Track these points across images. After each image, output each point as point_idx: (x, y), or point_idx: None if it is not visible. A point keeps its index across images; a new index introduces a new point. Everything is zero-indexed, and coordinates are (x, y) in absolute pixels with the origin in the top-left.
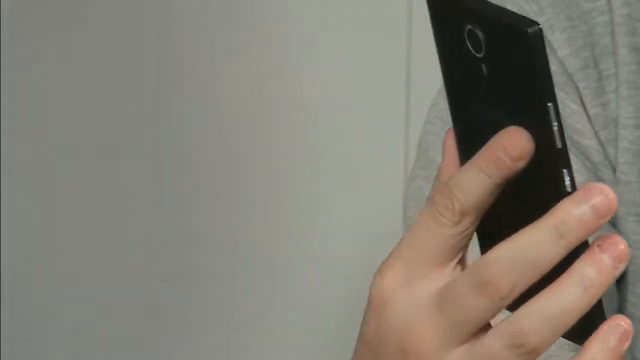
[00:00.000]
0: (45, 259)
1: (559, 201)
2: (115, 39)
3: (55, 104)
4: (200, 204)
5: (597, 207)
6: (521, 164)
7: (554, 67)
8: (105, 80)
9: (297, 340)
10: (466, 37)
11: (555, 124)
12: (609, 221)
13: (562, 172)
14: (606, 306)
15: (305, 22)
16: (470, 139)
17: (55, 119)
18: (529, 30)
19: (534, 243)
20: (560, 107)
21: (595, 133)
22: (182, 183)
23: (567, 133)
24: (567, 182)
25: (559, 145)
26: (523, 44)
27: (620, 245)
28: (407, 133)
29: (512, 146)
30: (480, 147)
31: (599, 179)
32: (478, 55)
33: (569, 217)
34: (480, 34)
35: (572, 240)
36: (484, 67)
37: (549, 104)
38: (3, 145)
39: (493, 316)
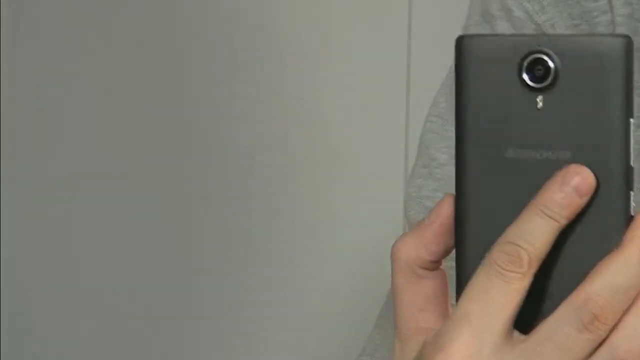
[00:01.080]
0: (45, 259)
1: (622, 222)
2: (115, 39)
3: (55, 104)
4: (200, 204)
5: None
6: (587, 199)
7: None
8: (105, 80)
9: (297, 341)
10: (524, 70)
11: (632, 140)
12: None
13: (630, 194)
14: None
15: (306, 23)
16: (494, 193)
17: (55, 119)
18: (626, 39)
19: (626, 270)
20: None
21: None
22: (182, 183)
23: None
24: (633, 203)
25: (631, 163)
26: (613, 56)
27: None
28: (407, 133)
29: (581, 182)
30: (516, 197)
31: None
32: (538, 86)
33: None
34: (551, 61)
35: None
36: (540, 100)
37: (631, 119)
38: (3, 146)
39: (590, 352)
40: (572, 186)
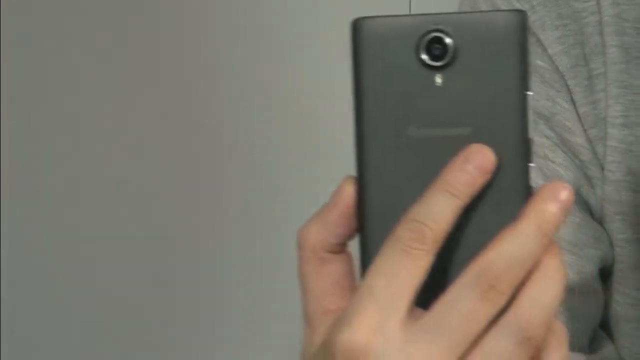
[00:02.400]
0: (45, 259)
1: (521, 195)
2: (116, 40)
3: (55, 104)
4: (199, 203)
5: (566, 204)
6: (488, 178)
7: (543, 64)
8: (105, 80)
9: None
10: (422, 49)
11: (530, 112)
12: (597, 219)
13: (529, 166)
14: (594, 304)
15: (306, 23)
16: (395, 171)
17: (55, 119)
18: (521, 13)
19: (523, 242)
20: (550, 104)
21: (585, 131)
22: (181, 183)
23: (557, 130)
24: (532, 175)
25: (530, 135)
26: (510, 31)
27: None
28: None
29: (483, 161)
30: (417, 175)
31: (587, 177)
32: (436, 64)
33: (547, 216)
34: (447, 38)
35: (551, 236)
36: (439, 77)
37: (529, 93)
38: (3, 146)
39: (489, 322)
40: (474, 165)
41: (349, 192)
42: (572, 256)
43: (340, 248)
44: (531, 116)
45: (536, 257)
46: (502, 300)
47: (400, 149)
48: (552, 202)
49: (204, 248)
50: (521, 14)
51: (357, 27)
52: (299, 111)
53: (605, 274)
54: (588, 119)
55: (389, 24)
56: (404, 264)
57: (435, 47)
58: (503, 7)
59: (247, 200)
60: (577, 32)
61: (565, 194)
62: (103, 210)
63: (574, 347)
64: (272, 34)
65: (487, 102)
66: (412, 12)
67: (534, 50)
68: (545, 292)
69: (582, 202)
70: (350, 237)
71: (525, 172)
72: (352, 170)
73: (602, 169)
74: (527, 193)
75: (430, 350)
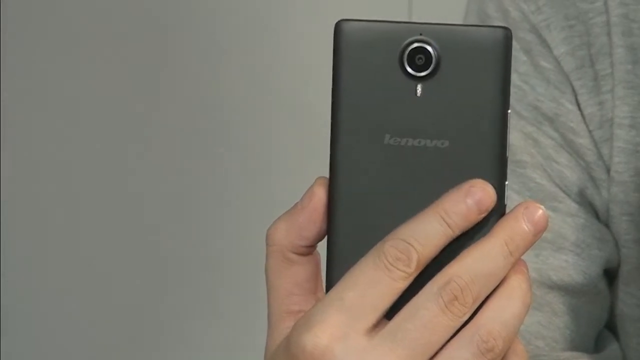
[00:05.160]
0: (45, 259)
1: (495, 214)
2: (116, 40)
3: (55, 104)
4: (199, 204)
5: (538, 225)
6: (484, 215)
7: (549, 65)
8: (101, 79)
9: None
10: (405, 58)
11: (508, 131)
12: (603, 220)
13: (505, 184)
14: (599, 304)
15: (306, 22)
16: (368, 179)
17: (55, 119)
18: (505, 31)
19: (489, 258)
20: (554, 105)
21: (590, 132)
22: (181, 183)
23: (561, 131)
24: (506, 194)
25: (507, 154)
26: (494, 48)
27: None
28: None
29: (484, 198)
30: (391, 183)
31: (592, 178)
32: (418, 75)
33: (516, 234)
34: (431, 50)
35: (518, 255)
36: (420, 88)
37: (509, 111)
38: (3, 146)
39: (451, 334)
40: (474, 200)
41: (320, 195)
42: (576, 257)
43: (307, 250)
44: (509, 135)
45: (502, 274)
46: (463, 313)
47: (376, 157)
48: (522, 222)
49: (204, 248)
50: (506, 31)
51: (341, 30)
52: (299, 110)
53: (610, 275)
54: (593, 120)
55: (373, 29)
56: (383, 281)
57: (419, 57)
58: (510, 9)
59: (247, 200)
60: (584, 33)
61: (538, 214)
62: (103, 210)
63: (578, 348)
64: (272, 32)
65: (467, 116)
66: (412, 11)
67: (539, 52)
68: (506, 309)
69: (586, 204)
70: (318, 240)
71: (500, 190)
72: None
73: (608, 170)
74: (501, 211)
75: (390, 358)
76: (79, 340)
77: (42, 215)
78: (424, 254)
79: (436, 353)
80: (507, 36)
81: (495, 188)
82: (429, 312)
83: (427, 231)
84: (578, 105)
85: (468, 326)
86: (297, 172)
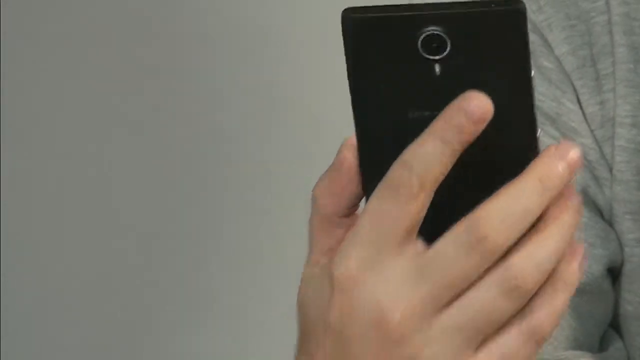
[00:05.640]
0: (45, 259)
1: (526, 162)
2: (116, 40)
3: (55, 105)
4: (199, 204)
5: (571, 162)
6: (482, 126)
7: (550, 64)
8: (105, 80)
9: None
10: (419, 45)
11: (533, 89)
12: (606, 219)
13: (537, 137)
14: (603, 304)
15: (306, 22)
16: (395, 148)
17: (55, 120)
18: (520, 4)
19: (523, 197)
20: (555, 105)
21: (592, 132)
22: (181, 183)
23: (563, 131)
24: (540, 144)
25: (535, 115)
26: (510, 20)
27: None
28: None
29: (474, 107)
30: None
31: (595, 177)
32: (434, 58)
33: (551, 171)
34: (445, 35)
35: (554, 193)
36: (438, 67)
37: (532, 75)
38: (3, 146)
39: (479, 274)
40: (468, 111)
41: (349, 156)
42: None
43: (349, 211)
44: (535, 96)
45: (537, 212)
46: (493, 253)
47: (400, 130)
48: (557, 159)
49: (204, 247)
50: (520, 5)
51: (348, 20)
52: (294, 109)
53: (614, 274)
54: (595, 120)
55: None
56: (392, 205)
57: (433, 44)
58: None
59: (247, 201)
60: (585, 32)
61: (573, 152)
62: (103, 210)
63: (582, 347)
64: (272, 33)
65: (490, 82)
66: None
67: (540, 51)
68: (540, 247)
69: (590, 203)
70: (357, 201)
71: (533, 143)
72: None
73: (610, 169)
74: (525, 160)
75: (412, 293)
76: (79, 340)
77: (42, 215)
78: (426, 174)
79: (464, 290)
80: (522, 8)
81: (528, 143)
82: (457, 251)
83: (426, 152)
84: (579, 104)
85: (499, 263)
86: (297, 172)
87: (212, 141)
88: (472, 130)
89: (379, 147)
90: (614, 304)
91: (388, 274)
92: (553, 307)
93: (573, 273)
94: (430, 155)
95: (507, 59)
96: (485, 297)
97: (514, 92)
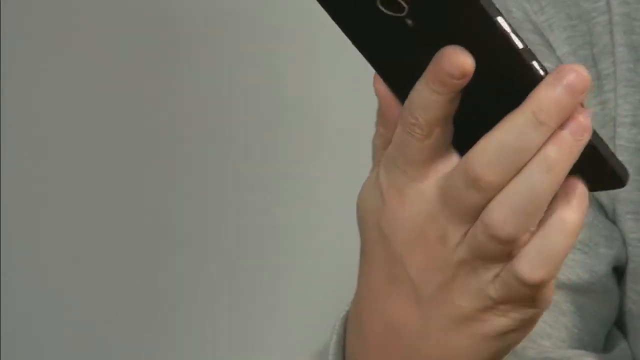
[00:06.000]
0: (45, 259)
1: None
2: (116, 40)
3: (55, 105)
4: (199, 203)
5: (571, 85)
6: (466, 79)
7: (551, 65)
8: (105, 80)
9: (299, 339)
10: (380, 5)
11: (509, 30)
12: (610, 218)
13: (532, 64)
14: (607, 303)
15: (305, 22)
16: (402, 83)
17: (55, 120)
18: None
19: (515, 132)
20: None
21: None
22: (181, 183)
23: None
24: (541, 71)
25: (520, 45)
26: None
27: (579, 117)
28: None
29: (451, 66)
30: (417, 66)
31: None
32: (399, 15)
33: (545, 101)
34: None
35: (552, 124)
36: (409, 22)
37: (498, 18)
38: (3, 146)
39: (487, 203)
40: (447, 70)
41: (382, 88)
42: (584, 255)
43: None
44: (512, 31)
45: (533, 147)
46: (490, 190)
47: (398, 69)
48: (552, 87)
49: (204, 247)
50: None
51: None
52: (293, 106)
53: (619, 273)
54: (596, 119)
55: None
56: (410, 143)
57: (391, 5)
58: (513, 9)
59: (241, 195)
60: (586, 32)
61: (571, 76)
62: (103, 210)
63: (586, 347)
64: (272, 33)
65: (458, 31)
66: None
67: (541, 52)
68: (521, 192)
69: (594, 202)
70: None
71: (528, 71)
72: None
73: None
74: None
75: (440, 211)
76: (79, 340)
77: (42, 215)
78: (428, 117)
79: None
80: None
81: (525, 78)
82: (455, 188)
83: (421, 98)
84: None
85: (485, 210)
86: (298, 173)
87: (212, 142)
88: (457, 84)
89: (393, 73)
90: (618, 303)
91: (424, 189)
92: (509, 204)
93: (553, 153)
94: (426, 101)
95: (463, 14)
96: (477, 238)
97: (487, 41)
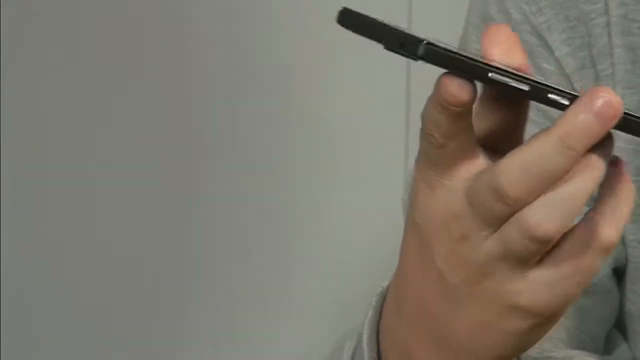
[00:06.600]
0: (45, 258)
1: None
2: (116, 40)
3: (55, 105)
4: (200, 204)
5: (601, 112)
6: (467, 106)
7: (550, 67)
8: (105, 80)
9: (300, 340)
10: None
11: (506, 80)
12: None
13: (549, 97)
14: (608, 304)
15: (305, 23)
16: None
17: (55, 120)
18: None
19: (542, 155)
20: None
21: None
22: (181, 183)
23: None
24: (561, 100)
25: (525, 88)
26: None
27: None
28: (406, 134)
29: (448, 95)
30: None
31: None
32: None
33: (573, 127)
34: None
35: (580, 149)
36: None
37: (490, 75)
38: (3, 145)
39: (501, 221)
40: (443, 98)
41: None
42: None
43: None
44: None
45: (560, 171)
46: (515, 203)
47: None
48: (581, 113)
49: (204, 247)
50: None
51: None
52: (301, 110)
53: (619, 274)
54: None
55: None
56: (430, 150)
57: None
58: (512, 10)
59: (249, 201)
60: (585, 34)
61: (599, 102)
62: (103, 210)
63: (587, 348)
64: (273, 34)
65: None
66: (412, 10)
67: (540, 54)
68: (562, 191)
69: (592, 203)
70: None
71: (548, 102)
72: (351, 170)
73: None
74: None
75: (466, 211)
76: (80, 340)
77: (42, 214)
78: (441, 131)
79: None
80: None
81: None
82: (482, 199)
83: (432, 115)
84: None
85: (517, 215)
86: (298, 173)
87: (219, 141)
88: (459, 110)
89: None
90: (618, 304)
91: (454, 186)
92: (551, 201)
93: (581, 180)
94: (437, 119)
95: None
96: (510, 237)
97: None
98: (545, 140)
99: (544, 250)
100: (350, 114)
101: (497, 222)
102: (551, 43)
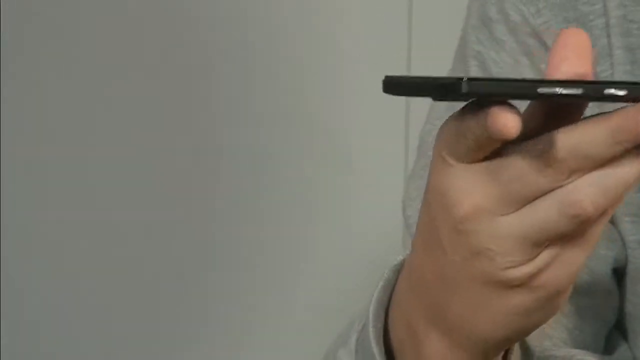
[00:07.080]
0: (45, 258)
1: None
2: (116, 40)
3: (55, 105)
4: (200, 204)
5: None
6: (507, 138)
7: None
8: (105, 80)
9: (300, 341)
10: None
11: (556, 89)
12: (610, 221)
13: (605, 94)
14: (608, 304)
15: (305, 23)
16: None
17: (55, 120)
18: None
19: (592, 143)
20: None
21: None
22: (181, 183)
23: None
24: (618, 92)
25: (578, 92)
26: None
27: None
28: (406, 135)
29: (493, 128)
30: None
31: None
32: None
33: (625, 126)
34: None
35: (627, 146)
36: None
37: (539, 90)
38: (3, 145)
39: (545, 191)
40: (489, 127)
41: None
42: None
43: None
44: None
45: (606, 157)
46: (563, 177)
47: None
48: (636, 114)
49: (204, 248)
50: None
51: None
52: (302, 112)
53: (619, 274)
54: None
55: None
56: (451, 121)
57: None
58: (510, 12)
59: (253, 198)
60: None
61: None
62: (104, 210)
63: (587, 348)
64: (273, 34)
65: None
66: (413, 11)
67: (540, 54)
68: (610, 175)
69: None
70: None
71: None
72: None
73: None
74: None
75: (480, 191)
76: (80, 340)
77: (42, 214)
78: (478, 143)
79: (529, 200)
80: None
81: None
82: (529, 167)
83: (472, 129)
84: None
85: (565, 187)
86: (298, 174)
87: (213, 143)
88: (499, 141)
89: None
90: (618, 304)
91: (462, 171)
92: (598, 184)
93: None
94: (474, 132)
95: None
96: (546, 215)
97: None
98: (596, 126)
99: (580, 231)
100: (351, 114)
101: (522, 201)
102: (550, 44)
